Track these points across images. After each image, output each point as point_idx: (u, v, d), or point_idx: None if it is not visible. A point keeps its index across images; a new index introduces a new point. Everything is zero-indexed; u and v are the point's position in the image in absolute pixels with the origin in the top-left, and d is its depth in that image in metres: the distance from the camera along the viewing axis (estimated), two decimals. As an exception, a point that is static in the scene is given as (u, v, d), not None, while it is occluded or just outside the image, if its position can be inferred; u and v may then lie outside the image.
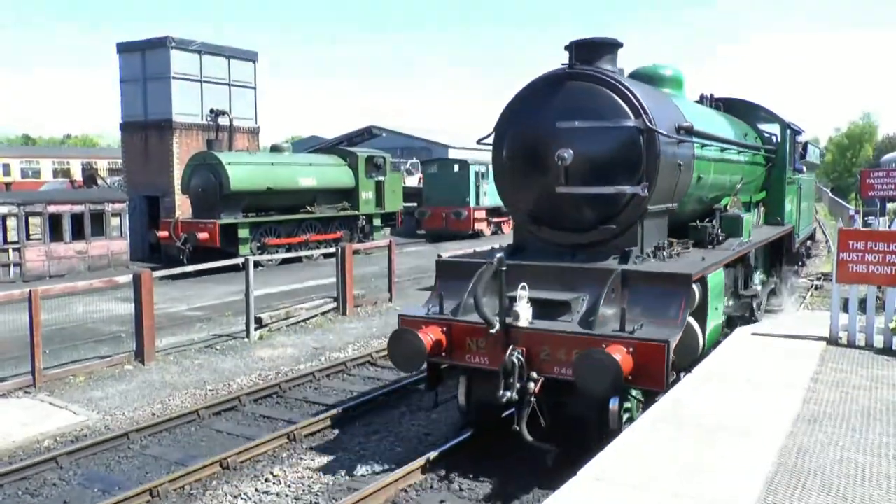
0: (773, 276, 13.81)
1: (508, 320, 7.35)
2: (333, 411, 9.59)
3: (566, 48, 8.53)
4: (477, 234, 34.11)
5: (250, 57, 29.66)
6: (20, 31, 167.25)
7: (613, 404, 7.02)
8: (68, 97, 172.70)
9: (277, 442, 8.70)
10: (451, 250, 21.31)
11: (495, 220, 36.40)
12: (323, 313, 15.91)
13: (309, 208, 26.49)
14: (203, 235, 22.37)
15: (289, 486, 7.64)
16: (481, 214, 34.73)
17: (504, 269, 7.36)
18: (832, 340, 9.61)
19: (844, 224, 12.75)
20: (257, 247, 24.03)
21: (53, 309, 14.12)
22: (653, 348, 6.88)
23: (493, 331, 7.33)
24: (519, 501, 7.25)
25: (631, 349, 6.85)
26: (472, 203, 33.96)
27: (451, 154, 54.19)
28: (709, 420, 6.34)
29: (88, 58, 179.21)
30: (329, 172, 27.43)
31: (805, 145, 16.25)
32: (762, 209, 13.73)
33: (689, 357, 7.77)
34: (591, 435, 7.10)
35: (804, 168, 16.27)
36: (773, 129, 14.14)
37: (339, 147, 30.84)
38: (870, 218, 19.83)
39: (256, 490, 7.56)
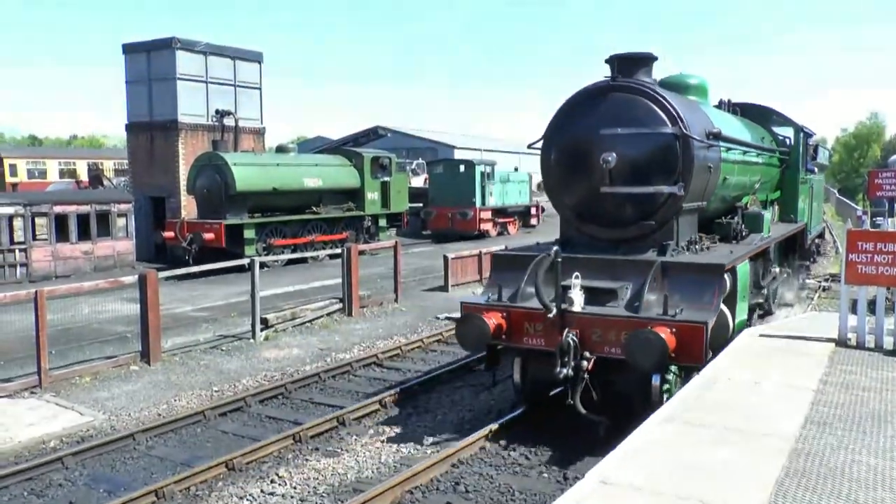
0: (787, 270, 14.43)
1: (564, 306, 8.19)
2: (339, 412, 9.56)
3: (607, 61, 9.39)
4: (482, 235, 34.06)
5: (255, 58, 29.70)
6: (27, 32, 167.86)
7: (656, 381, 7.92)
8: (74, 98, 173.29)
9: (283, 443, 8.68)
10: (457, 251, 21.29)
11: (501, 220, 36.35)
12: (328, 314, 15.89)
13: (314, 209, 26.50)
14: (209, 236, 22.39)
15: (294, 488, 7.62)
16: (487, 215, 34.69)
17: (560, 260, 8.24)
18: (841, 342, 9.55)
19: (853, 225, 12.80)
20: (263, 247, 24.04)
21: (59, 309, 14.15)
22: (693, 329, 7.75)
23: (550, 315, 8.16)
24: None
25: (674, 330, 7.69)
26: (478, 203, 33.90)
27: (457, 154, 54.22)
28: (716, 422, 6.30)
29: (94, 58, 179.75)
30: (334, 173, 27.44)
31: (816, 147, 16.88)
32: (777, 207, 14.47)
33: (721, 337, 8.54)
34: (636, 408, 7.85)
35: (815, 169, 16.97)
36: (786, 132, 14.93)
37: (345, 148, 30.85)
38: (878, 218, 19.76)
39: (262, 491, 7.54)
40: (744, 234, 10.99)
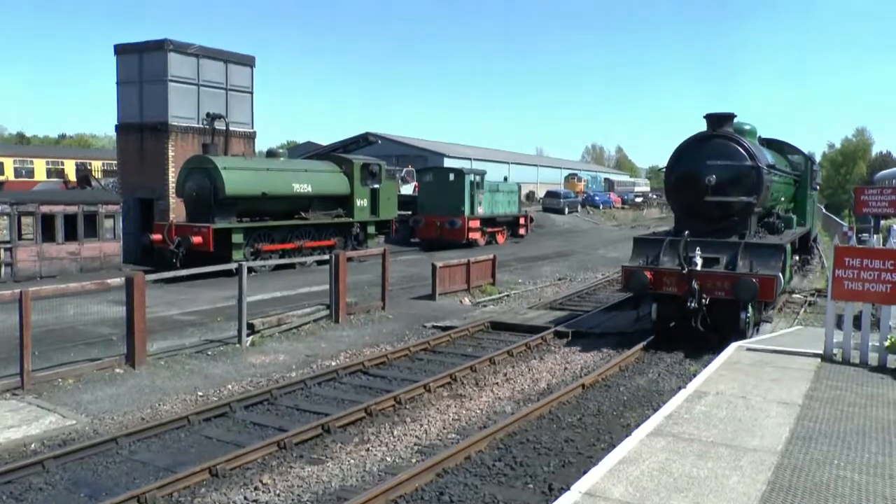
0: (798, 259, 20.00)
1: (690, 267, 13.27)
2: (324, 419, 9.50)
3: (705, 118, 14.74)
4: (471, 244, 34.04)
5: (248, 62, 29.65)
6: (16, 30, 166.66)
7: (743, 315, 13.28)
8: (64, 97, 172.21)
9: (268, 449, 8.61)
10: (445, 260, 21.27)
11: (489, 230, 36.35)
12: (315, 320, 15.83)
13: (303, 214, 26.42)
14: (197, 239, 22.28)
15: (278, 495, 7.56)
16: (476, 224, 34.66)
17: (689, 240, 13.51)
18: (827, 357, 9.60)
19: (840, 241, 13.20)
20: (251, 252, 23.95)
21: (44, 310, 14.01)
22: (769, 280, 12.94)
23: (684, 272, 13.25)
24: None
25: (757, 280, 12.84)
26: (467, 212, 33.89)
27: (447, 163, 54.24)
28: (703, 436, 6.31)
29: (86, 58, 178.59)
30: (324, 179, 27.38)
31: (817, 171, 22.40)
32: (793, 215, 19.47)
33: (779, 289, 13.68)
34: (731, 331, 13.20)
35: (817, 187, 22.90)
36: (797, 158, 20.36)
37: (335, 154, 30.82)
38: (864, 235, 19.92)
39: (245, 498, 7.47)
40: (781, 229, 16.02)
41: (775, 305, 15.84)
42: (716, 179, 13.95)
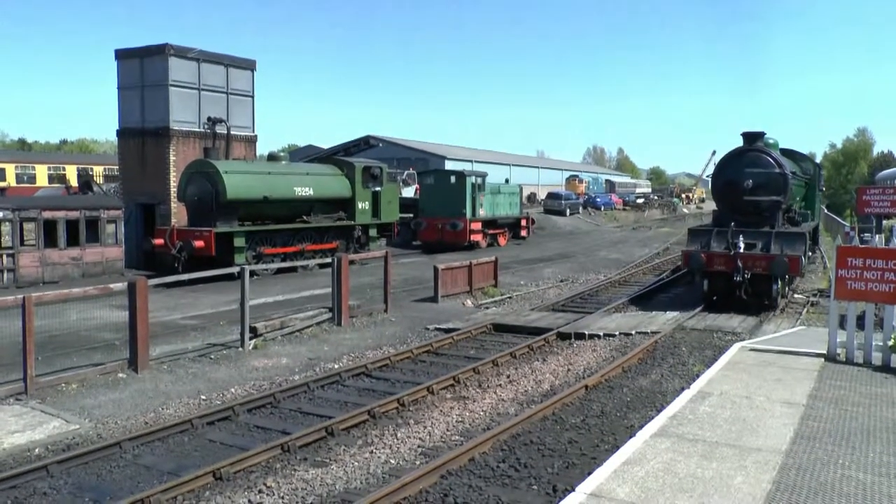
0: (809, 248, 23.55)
1: (736, 250, 17.15)
2: (328, 422, 9.50)
3: (742, 135, 18.79)
4: (473, 246, 34.03)
5: (248, 65, 29.66)
6: (18, 36, 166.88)
7: (775, 286, 17.19)
8: (66, 103, 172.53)
9: (271, 452, 8.61)
10: (447, 262, 21.27)
11: (491, 232, 36.33)
12: (318, 323, 15.82)
13: (305, 218, 26.42)
14: (199, 244, 22.26)
15: (282, 498, 7.55)
16: (477, 226, 34.63)
17: (734, 230, 17.37)
18: (830, 357, 9.59)
19: (842, 241, 13.25)
20: (253, 256, 23.95)
21: (47, 315, 14.03)
22: (795, 258, 16.78)
23: (731, 254, 17.14)
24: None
25: (787, 258, 16.67)
26: (469, 215, 33.86)
27: (448, 165, 54.29)
28: (707, 436, 6.30)
29: (87, 64, 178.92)
30: (326, 182, 27.38)
31: (822, 175, 28.20)
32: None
33: (803, 267, 18.01)
34: (766, 299, 17.41)
35: (823, 188, 29.52)
36: (807, 165, 24.78)
37: (336, 157, 30.81)
38: (866, 235, 19.92)
39: (249, 501, 7.46)
40: (800, 222, 19.34)
41: (795, 282, 20.34)
42: (752, 183, 17.83)
